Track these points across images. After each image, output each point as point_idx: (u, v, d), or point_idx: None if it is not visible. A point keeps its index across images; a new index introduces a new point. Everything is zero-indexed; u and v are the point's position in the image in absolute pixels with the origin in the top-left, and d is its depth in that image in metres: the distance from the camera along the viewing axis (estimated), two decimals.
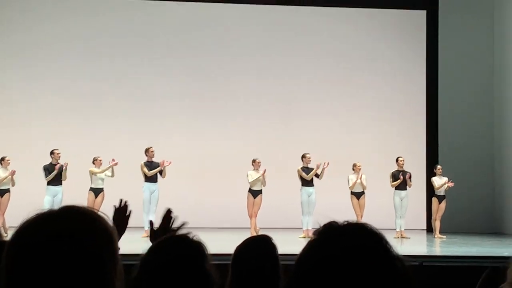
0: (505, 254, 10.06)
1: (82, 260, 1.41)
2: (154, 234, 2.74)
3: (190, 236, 2.07)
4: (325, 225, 1.35)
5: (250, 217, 13.73)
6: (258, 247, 3.05)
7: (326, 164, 13.72)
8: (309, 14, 16.78)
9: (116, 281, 1.49)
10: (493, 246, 12.02)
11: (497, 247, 11.81)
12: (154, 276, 1.92)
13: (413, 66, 16.89)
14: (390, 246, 1.32)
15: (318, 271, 1.28)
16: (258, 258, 2.96)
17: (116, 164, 13.66)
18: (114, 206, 2.93)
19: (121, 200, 2.98)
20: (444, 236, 13.93)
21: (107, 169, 13.70)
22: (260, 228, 13.42)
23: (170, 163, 13.68)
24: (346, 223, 1.35)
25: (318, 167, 13.73)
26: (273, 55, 16.63)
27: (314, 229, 1.36)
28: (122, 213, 2.94)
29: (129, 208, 2.96)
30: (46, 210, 1.49)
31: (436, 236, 14.12)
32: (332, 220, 1.36)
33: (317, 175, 13.83)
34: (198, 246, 2.03)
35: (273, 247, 3.10)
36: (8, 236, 1.81)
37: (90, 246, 1.45)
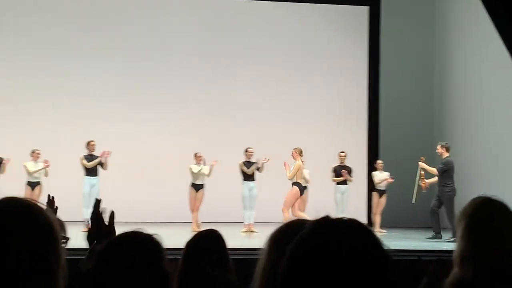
0: (444, 248, 10.23)
1: (25, 254, 1.39)
2: (89, 232, 2.64)
3: (152, 234, 1.99)
4: (322, 218, 1.33)
5: (192, 211, 13.59)
6: (208, 242, 3.04)
7: (266, 160, 13.73)
8: (249, 8, 16.72)
9: (59, 275, 1.47)
10: (432, 240, 12.21)
11: (436, 241, 12.03)
12: (111, 272, 1.83)
13: (355, 62, 17.03)
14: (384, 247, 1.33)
15: (314, 264, 1.24)
16: (209, 252, 2.96)
17: (48, 166, 13.30)
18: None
19: (49, 196, 3.02)
20: (385, 230, 14.11)
21: (42, 169, 13.34)
22: (201, 222, 13.31)
23: (110, 153, 13.34)
24: (342, 218, 1.34)
25: (260, 163, 13.74)
26: (216, 49, 16.51)
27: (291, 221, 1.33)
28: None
29: (56, 204, 3.02)
30: None
31: (376, 230, 14.29)
32: (326, 214, 1.35)
33: (258, 169, 13.83)
34: (157, 245, 1.95)
35: (222, 241, 3.11)
36: None
37: (33, 240, 1.41)
